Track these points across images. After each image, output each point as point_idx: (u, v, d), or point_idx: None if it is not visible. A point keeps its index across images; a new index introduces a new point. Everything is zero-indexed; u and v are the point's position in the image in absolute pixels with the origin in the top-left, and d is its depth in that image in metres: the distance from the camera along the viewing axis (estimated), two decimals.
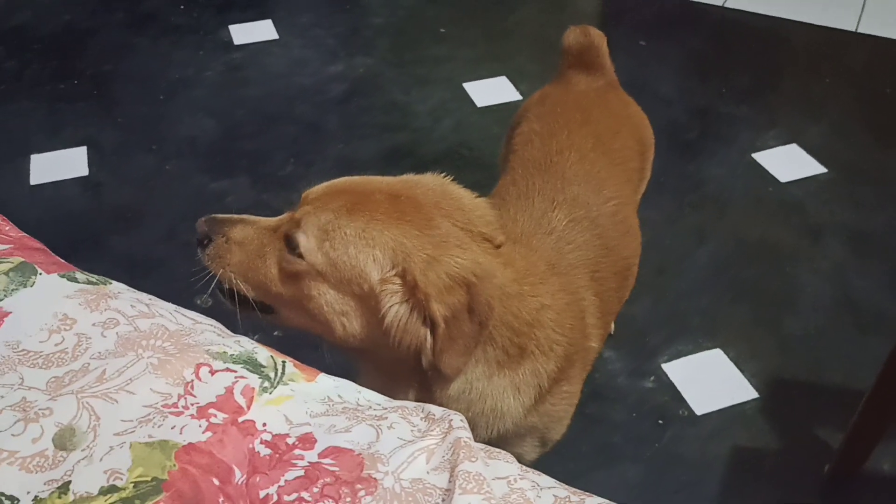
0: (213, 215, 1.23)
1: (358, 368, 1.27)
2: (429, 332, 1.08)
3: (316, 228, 1.11)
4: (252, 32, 3.31)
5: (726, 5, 3.47)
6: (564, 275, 1.34)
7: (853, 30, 3.31)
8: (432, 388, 1.17)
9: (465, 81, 3.06)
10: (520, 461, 0.99)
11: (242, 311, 1.22)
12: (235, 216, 1.23)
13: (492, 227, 1.18)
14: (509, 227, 1.39)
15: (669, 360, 2.08)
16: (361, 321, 1.13)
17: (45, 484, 0.83)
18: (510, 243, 1.28)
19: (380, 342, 1.13)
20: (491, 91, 3.01)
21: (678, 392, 2.00)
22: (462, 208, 1.17)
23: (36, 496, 0.82)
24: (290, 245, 1.13)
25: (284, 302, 1.17)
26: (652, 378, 2.04)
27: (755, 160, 2.70)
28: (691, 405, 1.97)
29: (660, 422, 1.94)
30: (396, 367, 1.16)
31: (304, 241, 1.11)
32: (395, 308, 1.08)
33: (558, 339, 1.23)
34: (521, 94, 2.97)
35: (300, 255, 1.12)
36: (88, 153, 2.70)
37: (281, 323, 1.23)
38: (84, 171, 2.63)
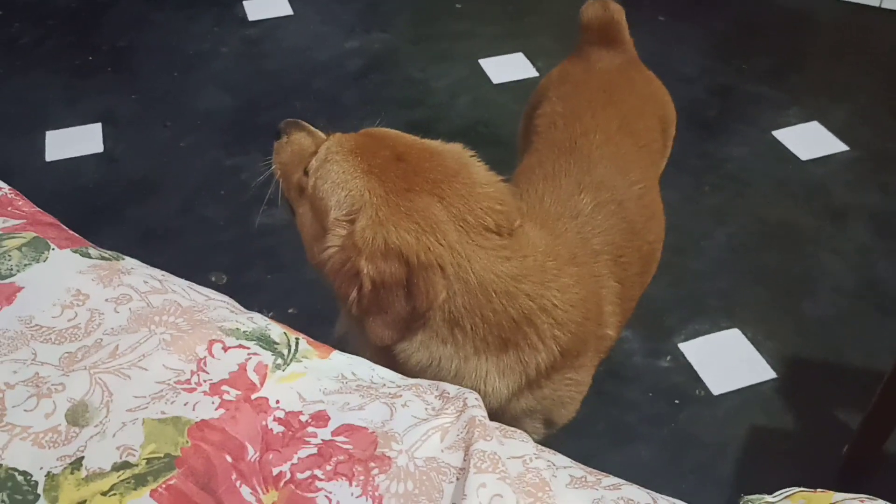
0: (297, 119, 1.35)
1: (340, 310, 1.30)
2: (356, 288, 1.10)
3: (323, 154, 1.19)
4: (266, 9, 3.28)
5: None
6: (585, 264, 1.31)
7: (877, 5, 3.25)
8: (390, 348, 1.18)
9: (482, 58, 3.03)
10: None
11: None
12: (309, 125, 1.34)
13: (501, 216, 1.16)
14: (536, 207, 1.38)
15: (686, 339, 2.06)
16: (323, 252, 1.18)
17: (57, 460, 0.83)
18: (536, 229, 1.27)
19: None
20: (508, 68, 2.98)
21: (695, 372, 1.99)
22: (465, 196, 1.15)
23: (49, 472, 0.82)
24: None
25: (291, 207, 1.28)
26: (668, 357, 2.02)
27: (775, 138, 2.67)
28: (708, 385, 1.96)
29: (676, 402, 1.93)
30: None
31: (313, 161, 1.20)
32: (333, 249, 1.13)
33: (558, 335, 1.20)
34: (538, 70, 2.94)
35: (306, 174, 1.21)
36: (104, 128, 2.69)
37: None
38: (99, 146, 2.63)
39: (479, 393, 1.16)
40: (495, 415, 1.23)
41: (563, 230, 1.35)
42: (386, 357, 1.17)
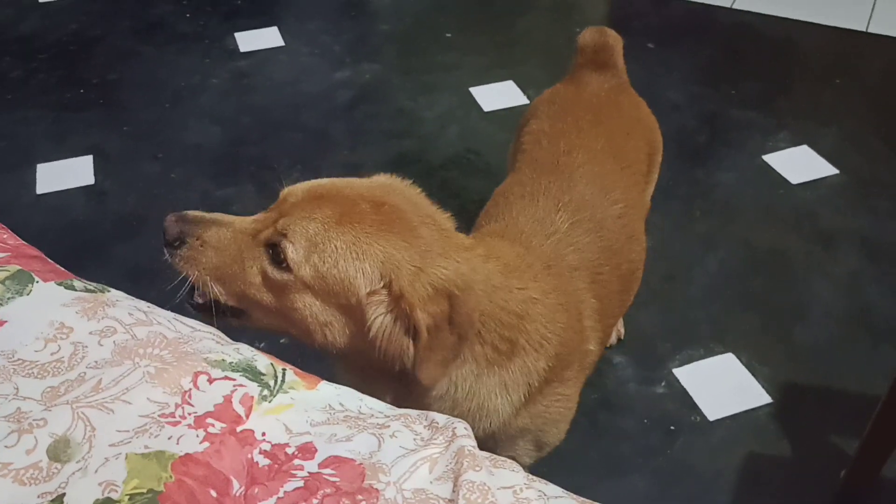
0: (184, 213, 1.19)
1: (335, 367, 1.27)
2: (411, 342, 1.07)
3: (304, 240, 1.08)
4: (258, 40, 3.31)
5: (734, 6, 3.45)
6: (561, 276, 1.33)
7: (863, 30, 3.28)
8: (412, 387, 1.16)
9: (472, 86, 3.04)
10: None
11: (214, 317, 1.18)
12: (208, 215, 1.19)
13: (450, 223, 1.19)
14: (510, 226, 1.39)
15: (681, 365, 2.05)
16: (345, 331, 1.12)
17: (38, 497, 0.81)
18: (500, 240, 1.31)
19: (361, 349, 1.12)
20: (498, 95, 2.99)
21: (690, 398, 1.97)
22: (432, 214, 1.17)
23: None
24: (275, 255, 1.10)
25: (262, 308, 1.15)
26: (663, 384, 2.01)
27: (766, 162, 2.68)
28: (703, 411, 1.94)
29: (671, 428, 1.91)
30: (375, 369, 1.16)
31: (293, 252, 1.08)
32: (380, 319, 1.07)
33: (548, 335, 1.22)
34: (529, 98, 2.95)
35: (287, 267, 1.09)
36: (94, 161, 2.69)
37: (250, 325, 1.21)
38: (90, 179, 2.62)
39: (485, 410, 1.19)
40: (491, 437, 1.24)
41: (538, 246, 1.36)
42: (405, 397, 1.17)
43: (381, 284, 1.07)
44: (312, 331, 1.13)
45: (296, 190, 1.16)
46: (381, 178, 1.21)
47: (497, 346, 1.16)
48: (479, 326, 1.13)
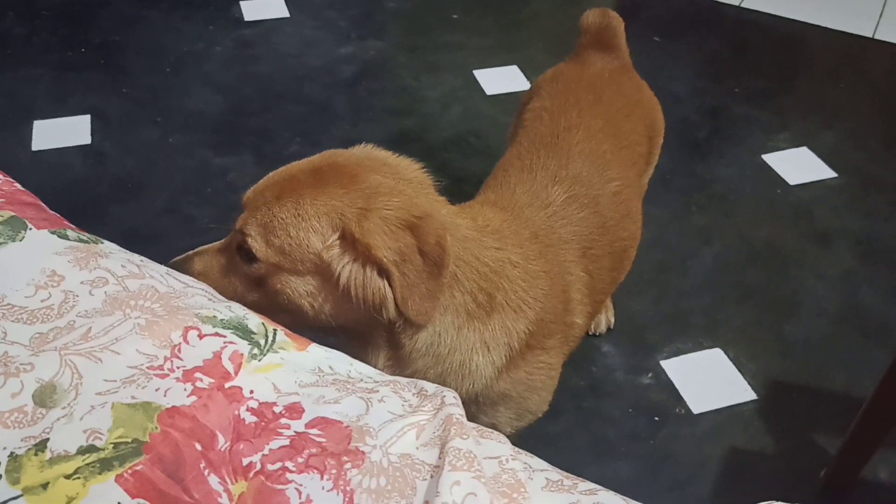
0: (172, 261, 1.26)
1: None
2: (386, 283, 1.10)
3: (257, 227, 1.15)
4: (264, 9, 3.28)
5: (742, 5, 3.44)
6: (549, 246, 1.34)
7: (870, 36, 3.28)
8: (401, 343, 1.18)
9: (476, 69, 3.03)
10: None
11: None
12: (191, 252, 1.28)
13: (425, 178, 1.22)
14: (506, 197, 1.40)
15: (669, 357, 2.05)
16: (325, 294, 1.16)
17: (22, 440, 0.81)
18: (485, 206, 1.34)
19: (349, 311, 1.15)
20: (501, 79, 2.98)
21: (676, 390, 1.98)
22: (388, 163, 1.20)
23: (12, 452, 0.80)
24: (245, 255, 1.17)
25: (261, 306, 1.18)
26: (650, 374, 2.01)
27: (765, 161, 2.67)
28: (689, 403, 1.95)
29: (656, 419, 1.92)
30: (367, 332, 1.19)
31: (253, 243, 1.15)
32: (346, 268, 1.11)
33: (528, 300, 1.24)
34: (532, 84, 2.93)
35: (255, 259, 1.16)
36: (92, 122, 2.67)
37: None
38: (87, 139, 2.61)
39: (467, 369, 1.21)
40: (474, 401, 1.26)
41: (530, 217, 1.37)
42: (397, 359, 1.20)
43: (336, 236, 1.11)
44: (301, 305, 1.17)
45: (251, 190, 1.22)
46: (343, 150, 1.25)
47: (475, 296, 1.18)
48: (455, 269, 1.15)
